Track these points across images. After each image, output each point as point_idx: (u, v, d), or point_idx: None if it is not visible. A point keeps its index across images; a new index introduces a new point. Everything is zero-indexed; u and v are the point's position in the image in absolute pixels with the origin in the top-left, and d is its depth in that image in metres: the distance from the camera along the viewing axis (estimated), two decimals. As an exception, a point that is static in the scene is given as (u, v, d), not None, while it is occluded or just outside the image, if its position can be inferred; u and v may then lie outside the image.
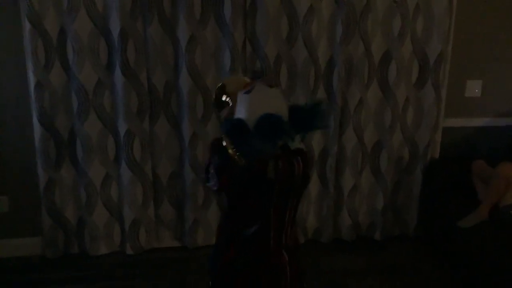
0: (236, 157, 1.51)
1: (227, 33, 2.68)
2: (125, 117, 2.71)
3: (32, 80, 2.60)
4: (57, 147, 2.74)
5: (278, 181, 1.55)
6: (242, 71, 2.75)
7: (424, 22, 2.85)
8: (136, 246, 2.95)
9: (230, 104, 1.68)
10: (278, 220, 1.63)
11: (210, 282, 1.77)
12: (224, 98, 1.70)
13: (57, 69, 2.63)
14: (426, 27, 2.85)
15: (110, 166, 2.83)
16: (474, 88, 3.09)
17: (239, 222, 1.65)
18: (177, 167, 2.92)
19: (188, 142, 2.83)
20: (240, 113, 1.56)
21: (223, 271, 1.69)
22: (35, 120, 2.66)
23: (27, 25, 2.52)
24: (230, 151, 1.51)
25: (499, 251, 2.46)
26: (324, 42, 2.82)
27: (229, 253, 1.66)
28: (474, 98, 3.11)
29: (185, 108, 2.77)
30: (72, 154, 2.78)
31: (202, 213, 2.99)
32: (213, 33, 2.70)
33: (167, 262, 2.90)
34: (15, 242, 2.89)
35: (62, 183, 2.80)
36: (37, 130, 2.67)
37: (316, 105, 1.64)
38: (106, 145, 2.79)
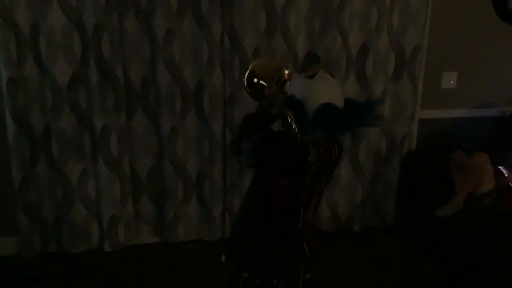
0: (296, 132, 1.51)
1: (204, 26, 2.65)
2: (101, 113, 2.66)
3: (4, 75, 2.53)
4: (31, 144, 2.67)
5: (316, 166, 1.58)
6: (220, 64, 2.72)
7: (400, 15, 2.87)
8: (115, 243, 2.91)
9: (265, 85, 1.72)
10: (306, 203, 1.67)
11: (224, 255, 1.83)
12: (256, 80, 1.73)
13: (30, 64, 2.56)
14: (402, 20, 2.88)
15: (86, 163, 2.78)
16: (449, 80, 3.14)
17: (271, 201, 1.68)
18: (156, 162, 2.89)
19: (167, 136, 2.80)
20: (297, 94, 1.57)
21: (255, 244, 1.73)
22: (8, 116, 2.59)
23: (-2, 19, 2.44)
24: (293, 124, 1.51)
25: (475, 239, 2.53)
26: (302, 35, 2.82)
27: (262, 229, 1.70)
28: (449, 90, 3.16)
29: (163, 102, 2.73)
30: (47, 151, 2.71)
31: (182, 208, 2.97)
32: (190, 26, 2.67)
33: (147, 259, 2.88)
34: (-9, 242, 2.83)
35: (37, 181, 2.74)
36: (10, 126, 2.60)
37: (371, 102, 1.67)
38: (82, 141, 2.73)
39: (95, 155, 2.76)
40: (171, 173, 2.87)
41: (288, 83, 1.73)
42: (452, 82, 3.15)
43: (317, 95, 1.55)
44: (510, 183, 2.74)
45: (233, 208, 2.99)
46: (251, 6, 2.66)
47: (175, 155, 2.85)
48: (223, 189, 2.98)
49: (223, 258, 1.84)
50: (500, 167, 2.82)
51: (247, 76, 1.78)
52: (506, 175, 2.78)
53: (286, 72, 1.79)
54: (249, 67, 1.80)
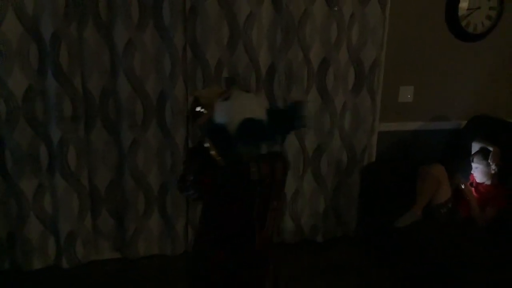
0: (218, 158, 1.54)
1: (166, 38, 2.64)
2: (58, 124, 2.59)
3: (-46, 86, 2.43)
4: (-17, 157, 2.57)
5: (260, 183, 1.59)
6: (183, 76, 2.71)
7: (359, 30, 2.96)
8: (72, 260, 2.82)
9: (205, 113, 1.71)
10: (261, 221, 1.66)
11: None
12: (198, 109, 1.73)
13: (-17, 74, 2.47)
14: (361, 35, 2.96)
15: (43, 176, 2.69)
16: (406, 94, 3.25)
17: (223, 226, 1.67)
18: (116, 175, 2.83)
19: (127, 149, 2.75)
20: (219, 119, 1.60)
21: (210, 273, 1.71)
22: (-42, 128, 2.48)
23: (-51, 27, 2.35)
24: (212, 152, 1.54)
25: (434, 249, 2.59)
26: (264, 49, 2.85)
27: (219, 256, 1.68)
28: (406, 103, 3.26)
29: (124, 114, 2.69)
30: (1, 164, 2.61)
31: (143, 222, 2.91)
32: (152, 38, 2.65)
33: (106, 275, 2.80)
34: None
35: (-11, 196, 2.63)
36: (-39, 139, 2.49)
37: (293, 106, 1.69)
38: (38, 154, 2.65)
39: (52, 169, 2.68)
40: (132, 186, 2.81)
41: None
42: (409, 96, 3.26)
43: (235, 114, 1.58)
44: (463, 194, 2.83)
45: (196, 221, 2.96)
46: (213, 19, 2.68)
47: (136, 168, 2.79)
48: (186, 202, 2.94)
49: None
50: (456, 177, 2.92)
51: (191, 105, 1.78)
52: (461, 185, 2.87)
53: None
54: (194, 95, 1.80)
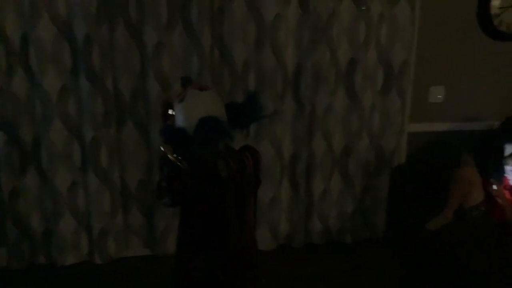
0: (178, 162, 1.51)
1: (194, 38, 2.69)
2: (91, 124, 2.67)
3: (-6, 86, 2.54)
4: (21, 155, 2.68)
5: (231, 179, 1.57)
6: (210, 76, 2.75)
7: (388, 30, 2.92)
8: (104, 256, 2.90)
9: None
10: (239, 219, 1.65)
11: None
12: (170, 112, 1.71)
13: (19, 76, 2.58)
14: (390, 35, 2.92)
15: (76, 174, 2.78)
16: (437, 94, 3.18)
17: (200, 229, 1.64)
18: (145, 174, 2.89)
19: (156, 149, 2.81)
20: (179, 121, 1.58)
21: (192, 276, 1.68)
22: (-3, 128, 2.60)
23: (-13, 30, 2.47)
24: (170, 157, 1.52)
25: (464, 253, 2.53)
26: (291, 49, 2.85)
27: (197, 259, 1.66)
28: (437, 104, 3.19)
29: (153, 114, 2.75)
30: (36, 162, 2.72)
31: (173, 220, 2.96)
32: (180, 39, 2.70)
33: (137, 271, 2.86)
34: (-21, 254, 2.81)
35: (26, 192, 2.74)
36: (0, 138, 2.61)
37: (250, 98, 1.67)
38: (71, 153, 2.74)
39: (85, 167, 2.76)
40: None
41: None
42: (439, 96, 3.19)
43: (192, 114, 1.56)
44: (496, 197, 2.75)
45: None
46: (240, 19, 2.70)
47: (165, 167, 2.85)
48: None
49: None
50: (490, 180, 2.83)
51: (162, 107, 1.76)
52: (494, 188, 2.79)
53: None
54: (164, 98, 1.79)
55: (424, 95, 3.16)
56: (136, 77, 2.73)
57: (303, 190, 3.06)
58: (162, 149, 1.55)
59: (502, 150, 2.92)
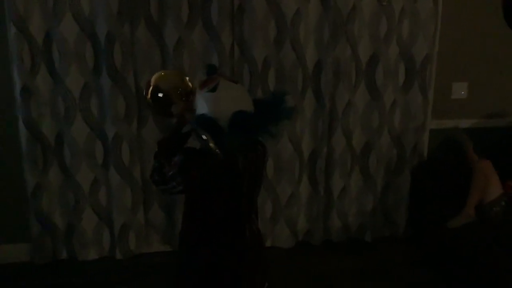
0: (216, 151, 1.46)
1: (214, 36, 2.69)
2: (113, 121, 2.70)
3: (17, 84, 2.58)
4: (44, 152, 2.72)
5: (247, 172, 1.56)
6: (230, 74, 2.75)
7: (410, 25, 2.88)
8: (125, 251, 2.93)
9: (171, 99, 1.60)
10: (248, 211, 1.64)
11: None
12: (160, 94, 1.61)
13: (43, 73, 2.62)
14: (412, 30, 2.88)
15: (98, 170, 2.81)
16: (460, 90, 3.13)
17: (209, 220, 1.61)
18: (166, 171, 2.91)
19: (176, 145, 2.82)
20: (204, 110, 1.52)
21: (199, 272, 1.65)
22: (21, 124, 2.64)
23: (12, 29, 2.50)
24: (211, 144, 1.46)
25: (487, 251, 2.49)
26: (311, 45, 2.83)
27: (204, 253, 1.62)
28: (460, 100, 3.14)
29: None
30: (59, 159, 2.76)
31: (192, 216, 2.98)
32: (200, 36, 2.70)
33: (157, 267, 2.89)
34: (3, 249, 2.86)
35: (49, 188, 2.78)
36: (23, 134, 2.65)
37: (278, 97, 1.63)
38: (94, 149, 2.77)
39: (107, 163, 2.79)
40: (181, 181, 2.89)
41: (192, 95, 1.61)
42: (462, 92, 3.13)
43: (225, 106, 1.50)
44: None
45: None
46: (260, 17, 2.69)
47: (185, 163, 2.86)
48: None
49: None
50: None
51: (151, 91, 1.63)
52: None
53: (189, 83, 1.66)
54: (152, 82, 1.64)
55: (447, 91, 3.11)
56: (156, 75, 2.75)
57: (322, 187, 3.04)
58: (203, 137, 1.47)
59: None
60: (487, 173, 2.69)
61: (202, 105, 1.53)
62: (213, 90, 1.52)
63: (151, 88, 1.63)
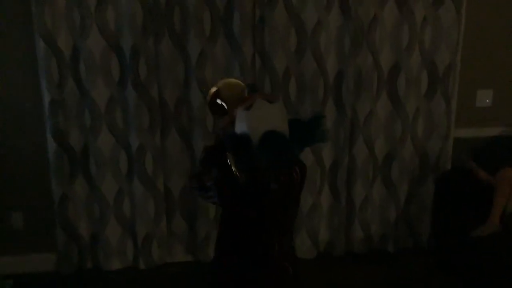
0: (238, 174, 1.50)
1: (236, 48, 2.72)
2: (137, 132, 2.74)
3: (46, 97, 2.65)
4: (70, 163, 2.78)
5: (279, 192, 1.56)
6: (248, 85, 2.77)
7: (432, 33, 2.86)
8: (149, 261, 2.95)
9: (226, 108, 1.67)
10: (279, 229, 1.65)
11: None
12: (219, 101, 1.69)
13: (70, 86, 2.68)
14: (434, 38, 2.86)
15: (122, 181, 2.85)
16: (485, 98, 3.08)
17: (241, 232, 1.65)
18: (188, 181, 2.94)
19: (199, 156, 2.84)
20: (241, 128, 1.55)
21: (226, 278, 1.69)
22: (49, 136, 2.70)
23: (41, 44, 2.57)
24: (233, 168, 1.50)
25: (511, 262, 2.43)
26: (332, 55, 2.84)
27: (233, 260, 1.66)
28: (485, 108, 3.09)
29: (196, 122, 2.79)
30: (85, 170, 2.81)
31: (214, 226, 2.98)
32: (222, 48, 2.74)
33: (180, 277, 2.91)
34: (30, 258, 2.92)
35: (75, 199, 2.83)
36: (51, 146, 2.71)
37: (315, 119, 1.63)
38: (118, 160, 2.82)
39: (131, 174, 2.84)
40: (203, 192, 2.91)
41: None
42: (487, 100, 3.09)
43: (257, 125, 1.51)
44: None
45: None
46: (281, 27, 2.72)
47: (207, 174, 2.88)
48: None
49: None
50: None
51: (211, 96, 1.72)
52: None
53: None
54: (217, 85, 1.74)
55: (471, 99, 3.07)
56: (180, 86, 2.79)
57: (343, 197, 3.03)
58: (228, 160, 1.52)
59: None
60: (511, 179, 2.64)
61: (239, 123, 1.56)
62: (248, 108, 1.55)
63: (214, 90, 1.73)
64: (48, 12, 2.54)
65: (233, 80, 1.88)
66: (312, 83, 2.82)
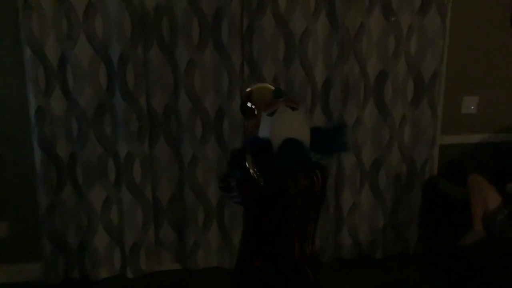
0: (256, 177, 1.55)
1: (225, 56, 2.73)
2: (125, 140, 2.73)
3: (32, 105, 2.63)
4: (58, 172, 2.75)
5: (299, 196, 1.59)
6: (240, 92, 2.78)
7: (418, 41, 2.90)
8: (136, 270, 2.93)
9: (255, 112, 1.75)
10: (301, 233, 1.66)
11: None
12: (249, 104, 1.77)
13: (57, 95, 2.66)
14: (420, 46, 2.91)
15: (110, 189, 2.83)
16: (470, 105, 3.13)
17: (263, 235, 1.68)
18: (177, 189, 2.93)
19: (187, 164, 2.84)
20: (264, 132, 1.61)
21: (248, 281, 1.72)
22: (35, 145, 2.67)
23: (28, 52, 2.55)
24: (251, 170, 1.55)
25: (498, 268, 2.46)
26: (320, 63, 2.86)
27: (256, 264, 1.69)
28: (470, 115, 3.14)
29: (184, 130, 2.79)
30: (72, 178, 2.78)
31: (203, 235, 2.98)
32: (211, 57, 2.74)
33: (168, 286, 2.88)
34: (16, 268, 2.88)
35: (62, 208, 2.80)
36: (38, 155, 2.68)
37: (337, 128, 1.67)
38: (106, 169, 2.80)
39: (119, 182, 2.82)
40: (192, 199, 2.90)
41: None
42: (472, 107, 3.14)
43: (278, 131, 1.56)
44: None
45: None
46: (270, 36, 2.73)
47: (195, 182, 2.88)
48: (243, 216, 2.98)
49: None
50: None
51: (243, 98, 1.82)
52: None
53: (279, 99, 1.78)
54: (250, 88, 1.83)
55: (456, 106, 3.12)
56: (168, 94, 2.78)
57: (332, 204, 3.04)
58: (246, 163, 1.57)
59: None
60: (481, 186, 2.72)
61: (262, 128, 1.63)
62: (272, 114, 1.59)
63: (246, 92, 1.84)
64: (36, 19, 2.53)
65: (267, 84, 1.96)
66: (300, 91, 2.84)
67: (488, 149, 3.19)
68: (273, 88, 1.82)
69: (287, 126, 1.58)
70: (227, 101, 2.79)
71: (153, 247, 2.96)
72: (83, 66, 2.63)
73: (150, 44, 2.68)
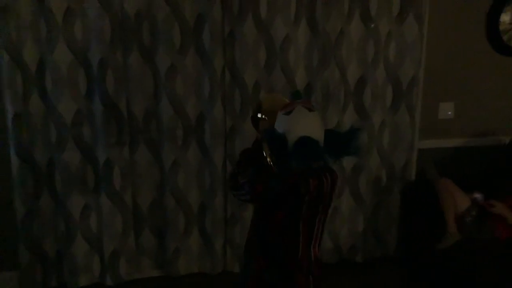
0: (271, 163, 1.58)
1: (206, 61, 2.72)
2: (105, 146, 2.69)
3: (9, 111, 2.57)
4: (35, 179, 2.69)
5: (308, 196, 1.61)
6: (221, 98, 2.78)
7: (396, 48, 2.95)
8: (116, 277, 2.89)
9: (266, 119, 1.79)
10: (307, 234, 1.68)
11: None
12: (259, 115, 1.81)
13: (35, 100, 2.61)
14: (398, 52, 2.96)
15: (89, 197, 2.79)
16: (447, 110, 3.20)
17: (269, 234, 1.70)
18: (157, 195, 2.91)
19: (168, 169, 2.82)
20: (279, 130, 1.63)
21: (253, 279, 1.74)
22: (12, 152, 2.61)
23: (5, 56, 2.50)
24: (268, 158, 1.58)
25: (476, 270, 2.51)
26: (301, 69, 2.89)
27: (261, 263, 1.72)
28: (447, 120, 3.21)
29: (165, 135, 2.78)
30: (50, 185, 2.73)
31: (184, 241, 2.96)
32: (192, 62, 2.74)
33: (148, 293, 2.86)
34: (-9, 277, 2.80)
35: (40, 215, 2.74)
36: (15, 162, 2.63)
37: (351, 131, 1.70)
38: (85, 175, 2.76)
39: (98, 189, 2.78)
40: (173, 205, 2.88)
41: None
42: (449, 113, 3.20)
43: (294, 129, 1.60)
44: (490, 208, 2.74)
45: (235, 240, 2.99)
46: (251, 42, 2.74)
47: (176, 187, 2.86)
48: (225, 221, 2.98)
49: None
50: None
51: (254, 109, 1.86)
52: (478, 196, 2.80)
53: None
54: (260, 99, 1.88)
55: (433, 111, 3.18)
56: (149, 100, 2.76)
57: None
58: (263, 151, 1.60)
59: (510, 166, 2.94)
60: (450, 189, 2.79)
61: (278, 125, 1.65)
62: (288, 113, 1.62)
63: (256, 104, 1.90)
64: (13, 23, 2.48)
65: (277, 95, 2.04)
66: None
67: (465, 153, 3.25)
68: (283, 98, 1.86)
69: (303, 125, 1.60)
70: (208, 106, 2.79)
71: (133, 253, 2.93)
72: (62, 71, 2.58)
73: (130, 49, 2.66)
